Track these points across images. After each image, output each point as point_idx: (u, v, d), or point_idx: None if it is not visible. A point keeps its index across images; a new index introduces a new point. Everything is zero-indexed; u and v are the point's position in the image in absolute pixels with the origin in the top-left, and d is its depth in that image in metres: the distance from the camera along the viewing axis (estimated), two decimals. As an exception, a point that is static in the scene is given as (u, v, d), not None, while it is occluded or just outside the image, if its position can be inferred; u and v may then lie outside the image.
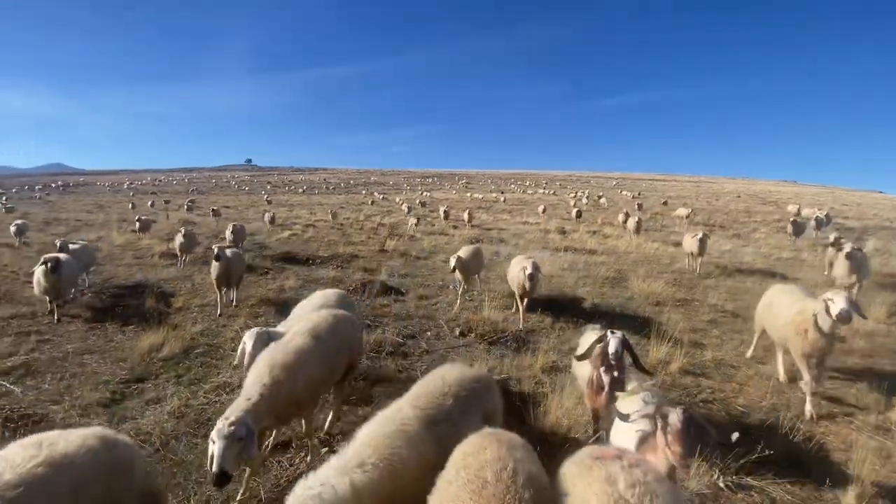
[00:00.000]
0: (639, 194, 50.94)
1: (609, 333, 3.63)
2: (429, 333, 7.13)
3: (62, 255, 7.62)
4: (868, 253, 9.62)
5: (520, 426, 4.40)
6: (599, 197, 43.28)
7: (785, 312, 5.19)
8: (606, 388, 3.58)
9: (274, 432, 3.96)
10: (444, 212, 24.56)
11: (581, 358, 3.81)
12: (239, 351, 4.06)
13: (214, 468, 2.71)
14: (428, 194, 54.19)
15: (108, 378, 5.35)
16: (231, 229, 13.15)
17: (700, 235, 11.18)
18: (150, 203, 38.41)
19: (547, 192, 60.98)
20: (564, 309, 8.32)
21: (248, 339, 4.02)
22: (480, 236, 18.29)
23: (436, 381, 3.04)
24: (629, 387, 3.50)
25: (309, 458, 3.96)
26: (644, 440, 2.64)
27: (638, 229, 16.50)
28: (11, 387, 5.07)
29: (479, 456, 2.19)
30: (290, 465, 3.89)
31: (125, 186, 76.72)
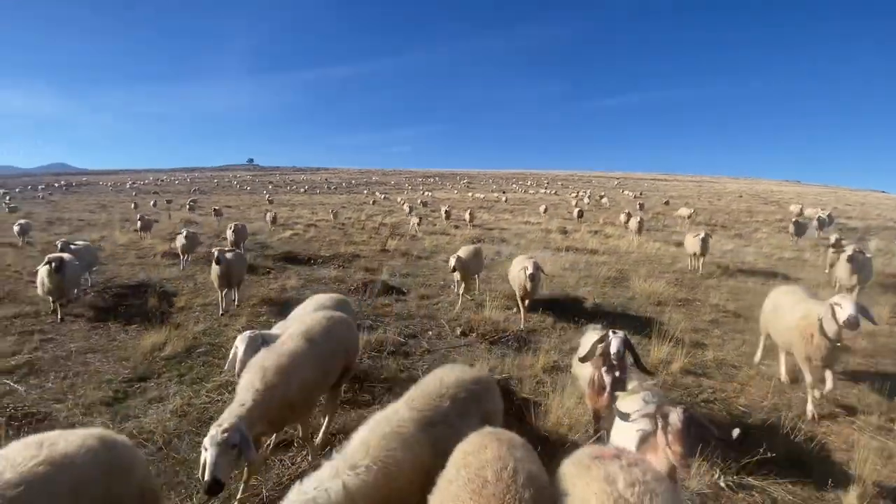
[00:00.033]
0: (640, 194, 50.86)
1: (611, 333, 3.63)
2: (430, 333, 7.14)
3: (66, 255, 7.66)
4: (871, 253, 9.57)
5: (520, 426, 4.42)
6: (601, 197, 43.25)
7: (789, 315, 5.07)
8: (608, 389, 3.58)
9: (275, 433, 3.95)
10: (446, 212, 24.57)
11: (584, 359, 3.80)
12: (231, 355, 3.93)
13: (207, 476, 2.64)
14: (429, 194, 54.21)
15: (111, 377, 5.38)
16: (232, 229, 13.14)
17: (702, 235, 11.13)
18: (152, 203, 38.51)
19: (548, 191, 60.94)
20: (566, 309, 8.32)
21: (239, 344, 3.90)
22: (482, 236, 18.30)
23: (433, 383, 3.02)
24: (629, 386, 3.50)
25: (310, 456, 3.99)
26: (645, 440, 2.65)
27: (640, 229, 16.51)
28: (15, 385, 5.10)
29: (479, 455, 2.19)
30: (293, 464, 3.91)
31: (128, 186, 76.93)
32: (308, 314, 4.35)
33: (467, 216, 22.55)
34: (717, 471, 3.71)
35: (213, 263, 7.58)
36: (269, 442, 3.96)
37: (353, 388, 5.24)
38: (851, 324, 4.23)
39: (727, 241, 16.73)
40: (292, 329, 3.92)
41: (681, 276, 11.20)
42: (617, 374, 3.60)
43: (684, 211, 25.40)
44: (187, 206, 32.98)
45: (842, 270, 8.56)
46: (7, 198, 42.62)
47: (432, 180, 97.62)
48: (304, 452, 4.02)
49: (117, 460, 2.46)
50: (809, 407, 4.75)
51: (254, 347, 3.82)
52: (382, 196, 50.79)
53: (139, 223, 16.62)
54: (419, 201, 37.37)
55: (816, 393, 4.74)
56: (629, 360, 3.67)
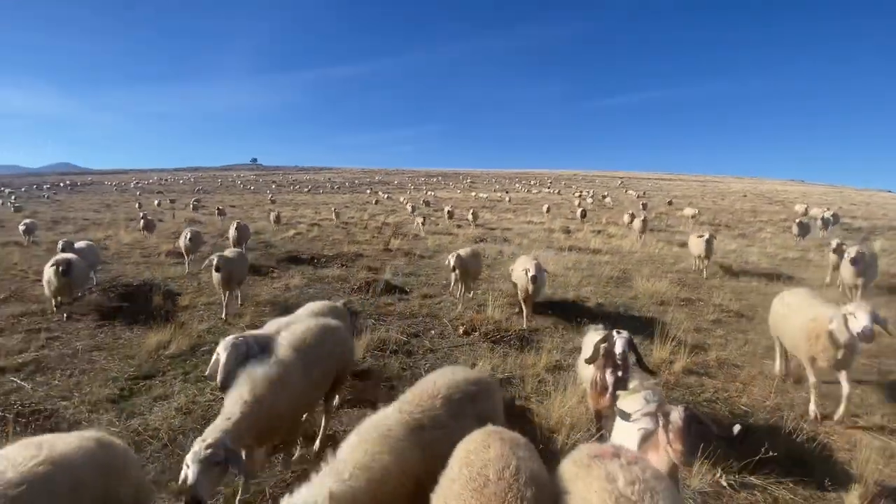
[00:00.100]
0: (644, 194, 50.72)
1: (615, 333, 3.63)
2: (433, 332, 7.17)
3: (73, 257, 7.67)
4: (876, 253, 9.53)
5: (522, 425, 4.44)
6: (604, 196, 43.17)
7: (799, 317, 4.96)
8: (610, 389, 3.59)
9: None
10: (449, 211, 24.60)
11: (590, 360, 3.80)
12: (213, 360, 3.63)
13: (187, 495, 2.51)
14: (432, 194, 54.22)
15: (116, 375, 5.43)
16: (235, 227, 13.17)
17: (707, 237, 10.90)
18: (156, 202, 38.69)
19: (551, 191, 60.86)
20: (568, 308, 8.33)
21: (222, 350, 3.55)
22: (484, 235, 18.32)
23: (426, 385, 2.98)
24: (630, 385, 3.51)
25: (317, 445, 4.03)
26: (646, 439, 2.66)
27: (643, 229, 16.44)
28: (22, 383, 5.16)
29: (481, 454, 2.19)
30: (295, 463, 3.94)
31: (132, 186, 77.34)
32: (301, 323, 4.11)
33: (470, 216, 22.57)
34: (719, 470, 3.72)
35: (213, 271, 7.51)
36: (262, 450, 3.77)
37: (356, 387, 5.27)
38: (866, 336, 4.04)
39: (731, 241, 16.69)
40: (284, 338, 3.75)
41: (684, 275, 11.18)
42: (619, 373, 3.61)
43: (689, 211, 25.35)
44: (191, 206, 33.16)
45: (846, 271, 8.49)
46: (12, 197, 42.95)
47: (435, 180, 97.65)
48: (306, 451, 4.06)
49: (114, 460, 2.51)
50: (812, 407, 4.74)
51: (238, 354, 3.54)
52: (385, 196, 50.85)
53: (142, 223, 16.68)
54: (422, 201, 37.40)
55: (841, 408, 4.53)
56: (631, 359, 3.68)
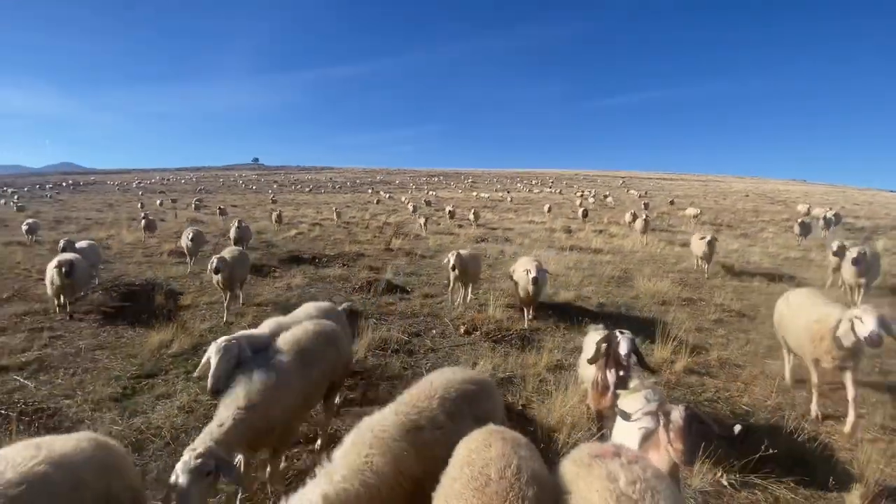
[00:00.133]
0: (645, 193, 50.64)
1: (618, 334, 3.63)
2: (434, 331, 7.18)
3: (75, 257, 7.68)
4: (878, 253, 9.49)
5: (524, 424, 4.44)
6: (606, 196, 43.11)
7: (803, 317, 4.88)
8: (612, 389, 3.59)
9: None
10: (450, 211, 24.60)
11: (592, 360, 3.80)
12: (203, 362, 3.51)
13: None
14: (434, 193, 54.24)
15: (119, 373, 5.45)
16: (236, 225, 13.15)
17: (709, 238, 10.82)
18: (158, 202, 38.78)
19: (553, 191, 60.83)
20: (569, 308, 8.34)
21: (213, 353, 3.39)
22: (486, 235, 18.33)
23: (423, 385, 2.96)
24: (630, 385, 3.52)
25: (318, 444, 4.04)
26: (647, 438, 2.66)
27: (645, 229, 16.34)
28: (25, 381, 5.19)
29: (482, 453, 2.19)
30: (297, 460, 3.96)
31: (134, 185, 77.49)
32: (297, 325, 4.00)
33: (471, 215, 22.58)
34: (720, 469, 3.72)
35: (213, 273, 7.49)
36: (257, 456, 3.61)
37: (358, 386, 5.28)
38: (873, 341, 3.91)
39: (733, 241, 16.67)
40: (279, 341, 3.68)
41: (685, 275, 11.17)
42: (621, 373, 3.62)
43: (691, 211, 25.32)
44: (193, 206, 33.20)
45: (847, 271, 8.45)
46: (15, 197, 43.08)
47: (436, 179, 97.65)
48: (310, 447, 4.08)
49: (112, 461, 2.53)
50: (814, 406, 4.74)
51: (230, 357, 3.39)
52: (387, 195, 50.88)
53: (143, 223, 16.56)
54: (423, 200, 37.41)
55: (851, 417, 4.39)
56: (633, 359, 3.68)
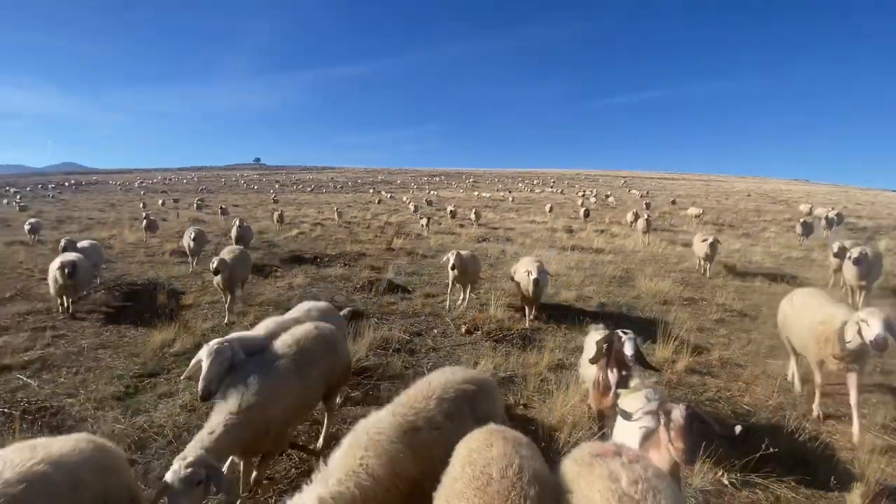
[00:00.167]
0: (647, 193, 50.58)
1: (622, 334, 3.64)
2: (435, 331, 7.18)
3: (77, 258, 7.69)
4: (880, 253, 9.44)
5: (525, 423, 4.45)
6: (607, 196, 43.06)
7: (808, 318, 4.81)
8: (613, 388, 3.60)
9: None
10: (451, 211, 24.60)
11: (594, 360, 3.80)
12: (192, 364, 3.44)
13: None
14: (435, 193, 54.25)
15: (121, 372, 5.47)
16: (237, 225, 13.11)
17: (710, 241, 10.74)
18: (160, 202, 38.83)
19: (554, 190, 60.80)
20: (571, 307, 8.34)
21: (204, 357, 3.29)
22: (487, 235, 18.33)
23: (421, 386, 2.94)
24: (631, 384, 3.52)
25: (320, 443, 4.05)
26: (647, 437, 2.67)
27: (647, 229, 16.20)
28: (28, 380, 5.21)
29: (484, 453, 2.19)
30: (300, 458, 3.97)
31: (136, 185, 77.65)
32: (294, 327, 3.92)
33: (473, 215, 22.57)
34: (721, 468, 3.72)
35: (213, 274, 7.46)
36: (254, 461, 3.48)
37: (360, 384, 5.29)
38: (879, 345, 3.85)
39: (734, 241, 16.64)
40: (276, 344, 3.60)
41: (687, 275, 11.16)
42: (623, 373, 3.62)
43: (693, 210, 25.26)
44: (195, 205, 33.26)
45: (848, 272, 8.35)
46: (17, 197, 43.19)
47: (438, 179, 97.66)
48: (312, 446, 4.09)
49: (109, 461, 2.54)
50: (816, 406, 4.73)
51: (222, 360, 3.28)
52: (388, 195, 50.89)
53: (144, 223, 16.47)
54: (424, 200, 37.42)
55: (855, 427, 4.30)
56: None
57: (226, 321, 7.45)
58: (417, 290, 9.47)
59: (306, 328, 3.84)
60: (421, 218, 20.97)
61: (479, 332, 6.98)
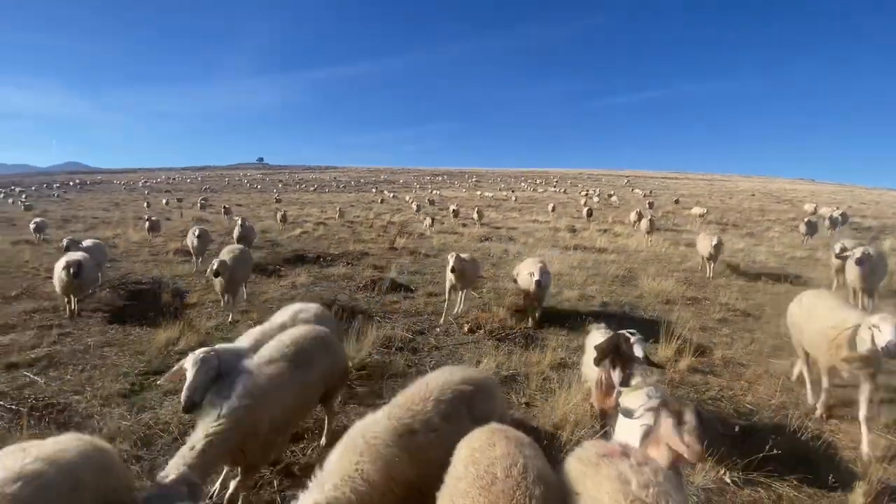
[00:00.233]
0: (650, 192, 50.45)
1: (629, 335, 3.65)
2: (438, 329, 7.20)
3: (83, 257, 7.70)
4: (884, 253, 9.35)
5: (527, 421, 4.47)
6: (610, 195, 42.98)
7: (820, 322, 4.66)
8: (617, 388, 3.62)
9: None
10: (454, 210, 24.62)
11: (599, 360, 3.80)
12: (173, 370, 3.31)
13: None
14: (438, 192, 54.27)
15: (127, 370, 5.51)
16: (239, 225, 13.12)
17: (715, 241, 10.59)
18: (164, 201, 39.04)
19: (557, 190, 60.73)
20: (573, 307, 8.34)
21: (189, 366, 3.15)
22: (490, 234, 18.34)
23: (419, 386, 2.89)
24: (632, 382, 3.54)
25: (323, 441, 4.07)
26: (648, 434, 2.68)
27: (651, 230, 16.06)
28: (35, 377, 5.26)
29: (487, 452, 2.19)
30: (303, 454, 4.01)
31: (140, 185, 78.07)
32: (284, 333, 3.78)
33: (475, 215, 22.59)
34: (723, 466, 3.73)
35: (213, 276, 7.40)
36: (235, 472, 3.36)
37: (363, 382, 5.32)
38: (891, 351, 3.75)
39: (738, 240, 16.59)
40: (264, 351, 3.44)
41: (690, 274, 11.14)
42: (626, 372, 3.64)
43: (697, 210, 25.19)
44: (198, 205, 33.42)
45: (851, 273, 8.06)
46: (23, 196, 43.52)
47: (441, 179, 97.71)
48: (315, 444, 4.12)
49: (106, 461, 2.52)
50: (819, 405, 4.70)
51: (208, 370, 3.14)
52: (391, 195, 50.94)
53: (147, 224, 16.51)
54: (427, 200, 37.45)
55: (864, 437, 4.14)
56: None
57: (230, 319, 7.49)
58: (420, 289, 9.49)
59: (302, 329, 3.76)
60: (424, 217, 20.99)
61: (481, 331, 6.99)
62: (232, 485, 3.25)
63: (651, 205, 30.51)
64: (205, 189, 67.09)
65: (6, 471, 2.10)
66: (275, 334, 3.83)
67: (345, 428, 3.93)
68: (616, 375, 3.66)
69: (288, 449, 4.04)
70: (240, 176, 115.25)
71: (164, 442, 4.09)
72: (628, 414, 2.68)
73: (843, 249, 8.83)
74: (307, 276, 10.39)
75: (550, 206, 28.10)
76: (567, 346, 6.45)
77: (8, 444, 2.39)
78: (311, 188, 71.48)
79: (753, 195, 51.07)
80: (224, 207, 26.07)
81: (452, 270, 7.37)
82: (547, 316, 7.70)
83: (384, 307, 8.27)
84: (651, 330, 6.83)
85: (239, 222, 13.28)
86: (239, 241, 12.16)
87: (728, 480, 3.65)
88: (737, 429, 2.48)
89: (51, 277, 7.85)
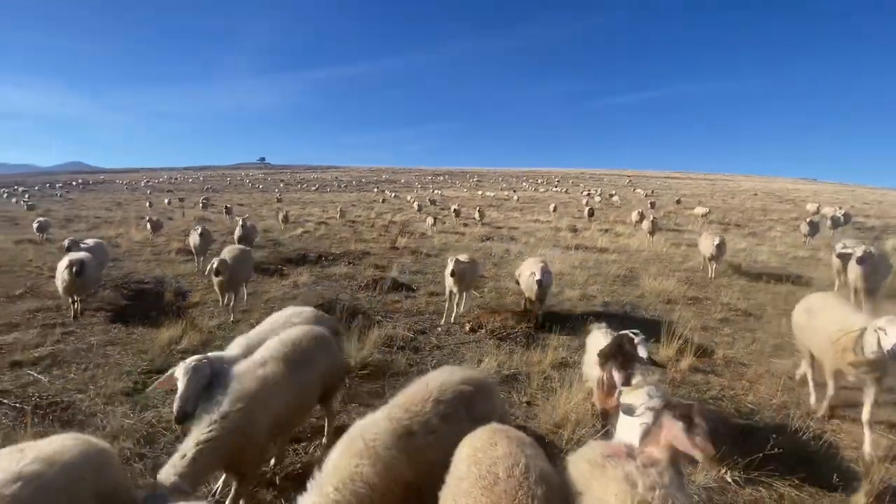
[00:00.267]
0: (652, 192, 50.38)
1: (634, 336, 3.66)
2: (439, 329, 7.22)
3: (86, 256, 7.74)
4: (887, 252, 9.30)
5: (528, 420, 4.48)
6: (612, 195, 42.94)
7: (826, 325, 4.60)
8: (619, 388, 3.62)
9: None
10: (455, 210, 24.62)
11: (605, 360, 3.80)
12: (164, 377, 3.26)
13: None
14: (439, 192, 54.30)
15: (130, 368, 5.54)
16: (240, 225, 13.09)
17: (717, 241, 10.51)
18: (166, 201, 39.13)
19: (559, 189, 60.67)
20: (575, 306, 8.35)
21: (180, 375, 3.08)
22: (491, 234, 18.35)
23: (419, 387, 2.88)
24: (633, 381, 3.54)
25: (325, 439, 4.08)
26: (648, 432, 2.68)
27: (653, 230, 15.91)
28: (39, 376, 5.29)
29: (489, 452, 2.19)
30: (305, 453, 4.03)
31: (142, 184, 78.26)
32: (278, 335, 3.72)
33: (477, 214, 22.59)
34: (724, 466, 3.73)
35: (213, 275, 7.32)
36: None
37: (365, 381, 5.34)
38: None
39: (740, 240, 16.56)
40: (262, 351, 3.39)
41: (692, 274, 11.13)
42: (628, 371, 3.65)
43: (699, 210, 25.17)
44: (200, 204, 33.49)
45: (853, 273, 8.00)
46: (26, 196, 43.68)
47: (442, 178, 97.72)
48: (317, 442, 4.14)
49: (103, 460, 2.51)
50: (825, 406, 4.66)
51: (200, 378, 3.09)
52: (392, 194, 50.98)
53: (148, 225, 16.46)
54: (428, 199, 37.46)
55: (867, 439, 4.12)
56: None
57: (231, 319, 7.51)
58: (421, 289, 9.51)
59: (298, 330, 3.71)
60: (427, 217, 21.00)
61: (482, 331, 7.00)
62: (234, 484, 3.24)
63: (653, 204, 30.48)
64: (207, 189, 67.22)
65: (5, 472, 2.08)
66: (267, 338, 3.75)
67: (346, 426, 3.95)
68: (619, 376, 3.67)
69: (290, 447, 4.07)
70: (242, 176, 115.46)
71: (166, 440, 4.11)
72: (630, 411, 2.69)
73: (845, 248, 8.72)
74: (309, 275, 10.42)
75: (552, 206, 28.09)
76: (568, 346, 6.45)
77: (13, 442, 2.40)
78: (313, 188, 71.58)
79: (756, 195, 50.97)
80: (226, 207, 26.12)
81: (452, 274, 7.28)
82: (548, 315, 7.69)
83: (386, 306, 8.29)
84: (652, 329, 6.83)
85: (240, 223, 13.27)
86: (240, 241, 12.16)
87: (729, 479, 3.65)
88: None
89: (54, 276, 7.88)
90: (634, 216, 19.54)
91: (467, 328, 7.13)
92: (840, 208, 23.93)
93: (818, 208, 27.46)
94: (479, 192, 54.05)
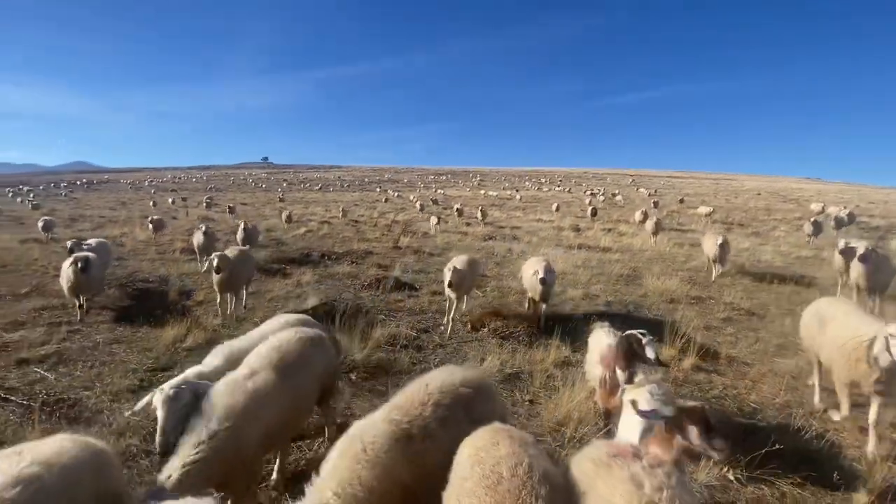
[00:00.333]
0: (655, 192, 50.22)
1: (641, 337, 3.66)
2: (442, 328, 7.24)
3: (91, 254, 7.75)
4: (892, 251, 9.22)
5: (530, 418, 4.50)
6: (615, 194, 42.85)
7: (836, 332, 4.49)
8: (622, 387, 3.63)
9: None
10: (458, 209, 24.62)
11: (608, 359, 3.81)
12: (143, 401, 3.05)
13: None
14: (442, 192, 54.28)
15: (135, 366, 5.59)
16: (242, 228, 13.01)
17: (720, 241, 10.35)
18: (170, 200, 39.27)
19: (562, 189, 60.56)
20: (578, 305, 8.35)
21: (158, 404, 2.90)
22: (494, 233, 18.35)
23: (418, 388, 2.85)
24: (636, 380, 3.55)
25: (327, 440, 4.10)
26: (647, 431, 2.69)
27: (656, 230, 15.74)
28: (46, 373, 5.34)
29: (492, 451, 2.20)
30: (310, 450, 4.06)
31: (146, 184, 78.51)
32: (273, 334, 3.63)
33: (479, 214, 22.60)
34: (726, 464, 3.74)
35: (213, 273, 7.22)
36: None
37: (368, 379, 5.37)
38: None
39: (744, 240, 16.52)
40: (250, 359, 3.27)
41: (695, 274, 11.12)
42: (631, 370, 3.66)
43: (703, 209, 25.09)
44: (204, 204, 33.61)
45: (855, 271, 7.89)
46: (31, 195, 43.90)
47: (445, 178, 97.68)
48: (321, 439, 4.16)
49: (102, 461, 2.50)
50: (841, 410, 4.51)
51: (178, 407, 2.89)
52: (395, 194, 50.99)
53: (151, 225, 16.35)
54: (431, 199, 37.47)
55: (871, 440, 4.08)
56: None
57: (235, 317, 7.56)
58: (424, 288, 9.53)
59: (289, 334, 3.58)
60: (430, 217, 21.00)
61: (485, 329, 7.03)
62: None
63: (656, 204, 30.39)
64: (210, 188, 67.43)
65: (4, 475, 2.06)
66: (246, 348, 3.63)
67: (349, 424, 3.97)
68: (622, 375, 3.68)
69: (294, 444, 4.09)
70: (245, 175, 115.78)
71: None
72: (645, 416, 2.68)
73: (847, 246, 8.58)
74: (312, 274, 10.46)
75: (554, 206, 28.07)
76: (571, 345, 6.46)
77: (22, 438, 2.42)
78: (316, 187, 71.66)
79: (759, 194, 50.75)
80: (229, 206, 26.21)
81: (450, 285, 7.06)
82: (551, 315, 7.71)
83: (389, 305, 8.32)
84: (655, 329, 6.82)
85: (241, 226, 13.06)
86: (243, 243, 12.15)
87: (732, 478, 3.66)
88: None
89: (59, 275, 7.93)
90: (638, 216, 19.50)
91: (470, 327, 7.15)
92: (844, 208, 23.81)
93: (823, 208, 27.32)
94: (482, 192, 54.02)
